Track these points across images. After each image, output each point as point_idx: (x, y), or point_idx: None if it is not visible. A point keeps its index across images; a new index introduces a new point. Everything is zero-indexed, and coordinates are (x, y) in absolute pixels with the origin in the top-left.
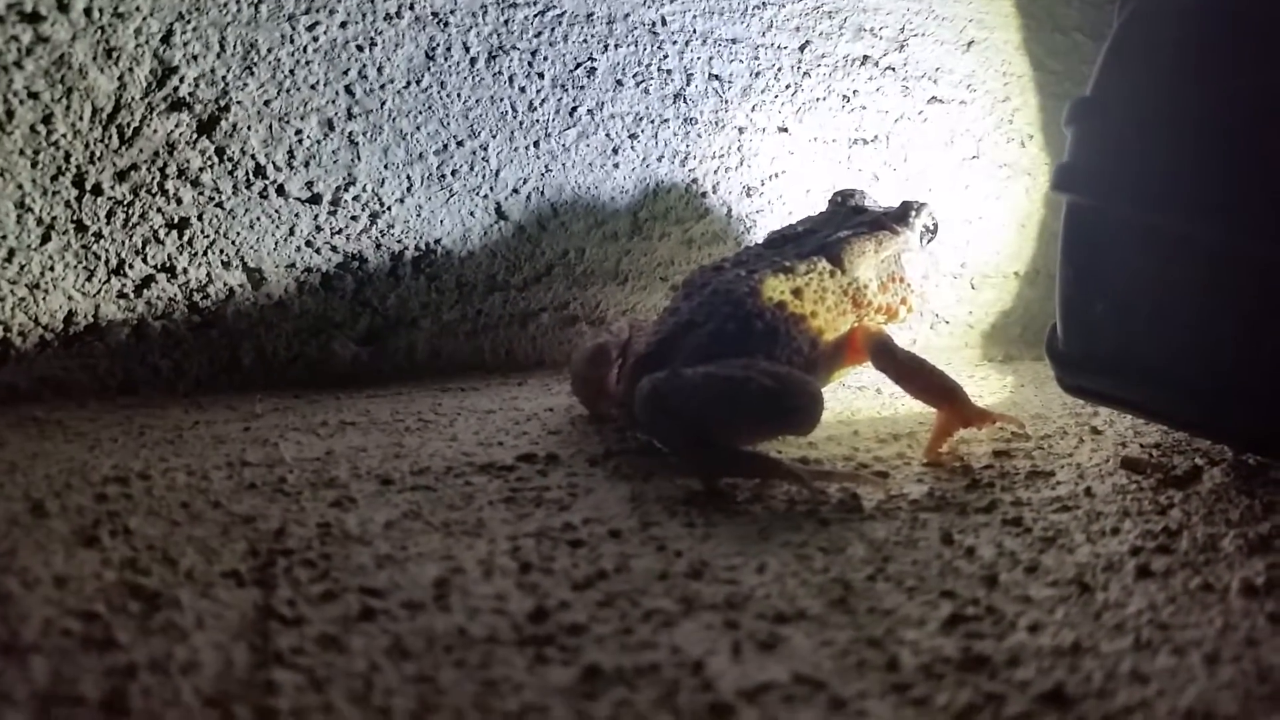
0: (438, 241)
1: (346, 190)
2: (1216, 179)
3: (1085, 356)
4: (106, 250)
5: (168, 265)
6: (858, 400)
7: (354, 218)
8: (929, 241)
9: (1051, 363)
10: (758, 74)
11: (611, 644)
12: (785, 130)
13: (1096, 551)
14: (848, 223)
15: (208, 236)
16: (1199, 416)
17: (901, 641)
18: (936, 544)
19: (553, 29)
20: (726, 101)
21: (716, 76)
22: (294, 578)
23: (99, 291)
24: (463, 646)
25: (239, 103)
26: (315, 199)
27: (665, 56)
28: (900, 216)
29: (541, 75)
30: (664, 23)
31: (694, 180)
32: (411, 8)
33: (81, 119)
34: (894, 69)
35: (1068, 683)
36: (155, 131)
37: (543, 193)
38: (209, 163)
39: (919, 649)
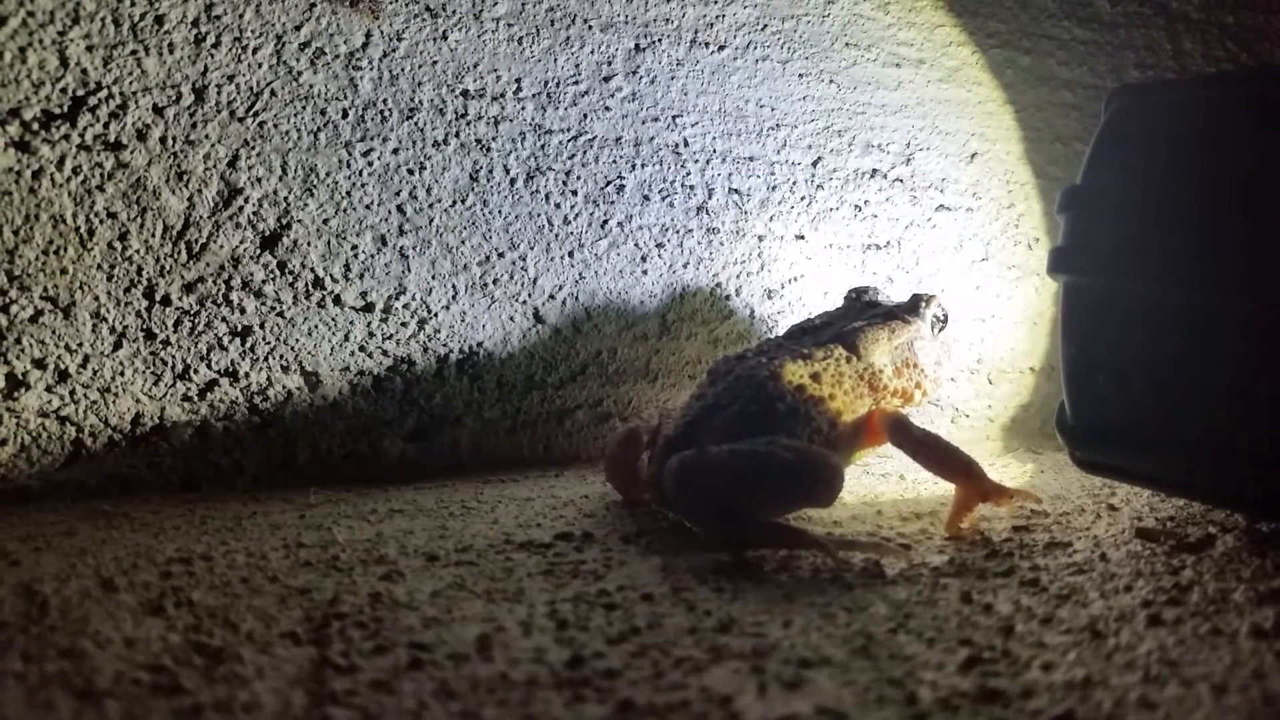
0: (480, 345)
1: (397, 299)
2: (1193, 248)
3: (1092, 429)
4: (173, 356)
5: (230, 370)
6: (881, 485)
7: (404, 324)
8: (940, 330)
9: (1062, 438)
10: (774, 187)
11: (644, 686)
12: (802, 238)
13: (1110, 605)
14: (862, 315)
15: (269, 343)
16: (1202, 481)
17: (920, 681)
18: (956, 602)
19: (585, 151)
20: (746, 213)
21: (736, 190)
22: (347, 636)
23: (165, 395)
24: (505, 689)
25: (299, 221)
26: (369, 308)
27: (688, 174)
28: (911, 308)
29: (575, 193)
30: (686, 144)
31: (718, 285)
32: (457, 135)
33: (154, 236)
34: (902, 180)
35: (1078, 710)
36: (221, 247)
37: (577, 298)
38: (271, 275)
39: (937, 686)
